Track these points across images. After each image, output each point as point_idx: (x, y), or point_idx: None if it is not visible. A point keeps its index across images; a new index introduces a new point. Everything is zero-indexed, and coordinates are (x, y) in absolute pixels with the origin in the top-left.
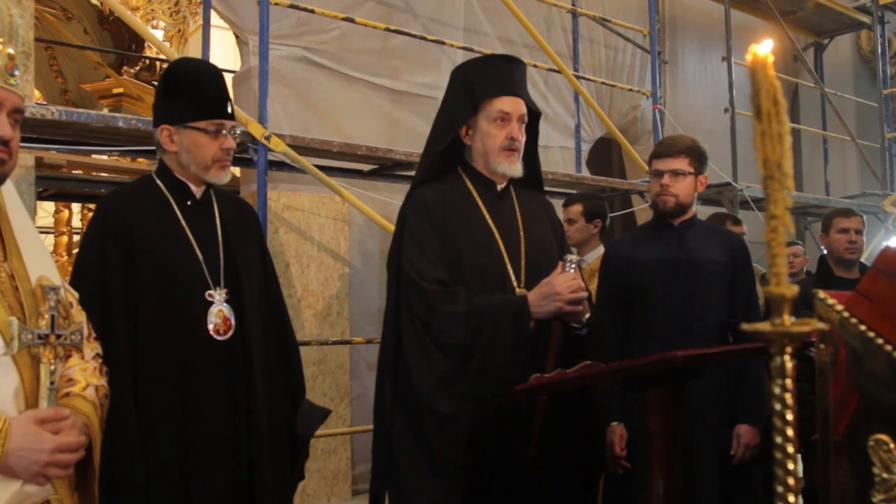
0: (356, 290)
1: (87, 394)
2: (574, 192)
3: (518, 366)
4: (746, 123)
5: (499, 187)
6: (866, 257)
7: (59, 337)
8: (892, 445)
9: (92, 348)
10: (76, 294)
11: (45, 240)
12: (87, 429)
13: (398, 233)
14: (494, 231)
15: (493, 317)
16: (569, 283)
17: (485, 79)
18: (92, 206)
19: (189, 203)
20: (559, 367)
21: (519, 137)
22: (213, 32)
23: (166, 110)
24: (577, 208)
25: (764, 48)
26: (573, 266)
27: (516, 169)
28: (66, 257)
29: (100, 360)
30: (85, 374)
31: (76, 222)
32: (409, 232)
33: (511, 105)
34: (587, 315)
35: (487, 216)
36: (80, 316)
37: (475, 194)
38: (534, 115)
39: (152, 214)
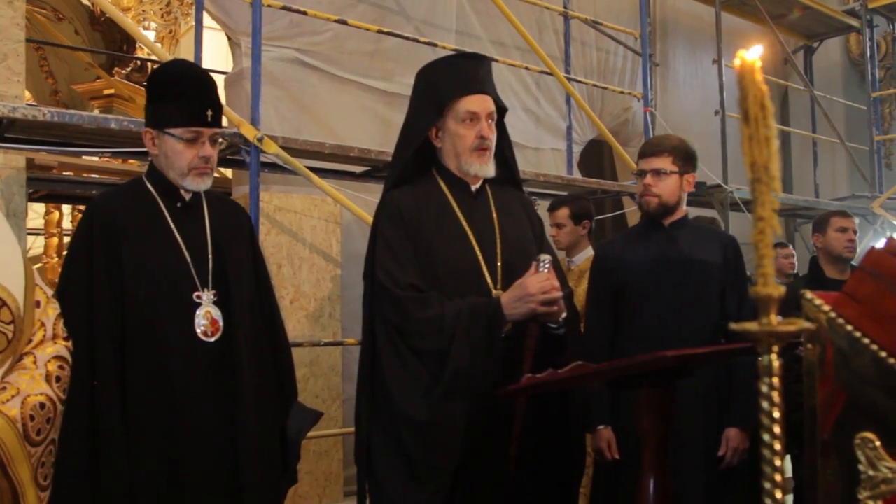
0: (348, 292)
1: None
2: (565, 193)
3: (493, 369)
4: (737, 126)
5: (473, 188)
6: (856, 259)
7: None
8: (877, 443)
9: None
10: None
11: (34, 242)
12: None
13: (371, 239)
14: (469, 233)
15: (465, 321)
16: (541, 283)
17: (449, 79)
18: (83, 207)
19: (178, 205)
20: (537, 367)
21: (489, 136)
22: (206, 34)
23: (150, 113)
24: (563, 212)
25: (751, 54)
26: (546, 266)
27: (489, 169)
28: (57, 259)
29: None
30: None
31: (66, 224)
32: (381, 237)
33: (478, 104)
34: (563, 314)
35: (462, 218)
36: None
37: (449, 196)
38: (502, 111)
39: (141, 216)
